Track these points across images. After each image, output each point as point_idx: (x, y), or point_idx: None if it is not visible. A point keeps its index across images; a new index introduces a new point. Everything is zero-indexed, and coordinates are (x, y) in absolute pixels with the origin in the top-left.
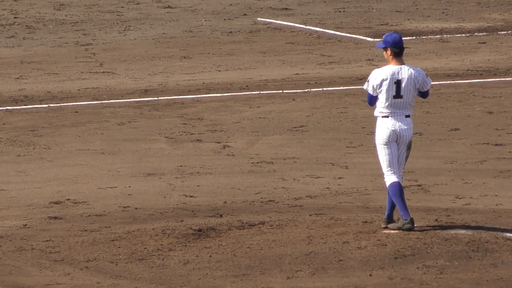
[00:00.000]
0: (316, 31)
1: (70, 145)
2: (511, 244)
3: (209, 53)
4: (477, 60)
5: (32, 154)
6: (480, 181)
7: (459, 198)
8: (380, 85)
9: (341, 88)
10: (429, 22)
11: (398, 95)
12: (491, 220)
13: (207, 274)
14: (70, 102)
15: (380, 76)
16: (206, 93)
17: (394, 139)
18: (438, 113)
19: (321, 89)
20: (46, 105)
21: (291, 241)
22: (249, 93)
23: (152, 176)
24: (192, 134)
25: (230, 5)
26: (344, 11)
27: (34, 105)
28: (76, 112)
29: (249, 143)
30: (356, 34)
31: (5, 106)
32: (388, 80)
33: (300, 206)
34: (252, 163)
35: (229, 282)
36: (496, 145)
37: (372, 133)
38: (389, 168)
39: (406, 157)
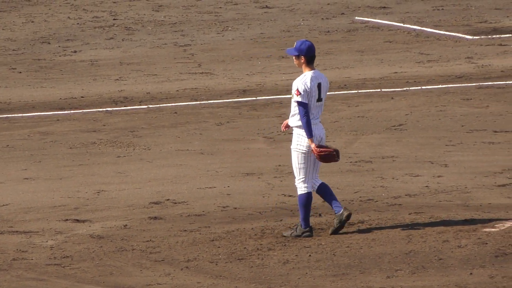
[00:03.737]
0: (415, 29)
1: (170, 145)
2: None
3: None
4: None
5: (132, 155)
6: None
7: None
8: (310, 90)
9: (440, 86)
10: None
11: (319, 98)
12: None
13: (306, 273)
14: (169, 103)
15: (308, 82)
16: None
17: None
18: None
19: (419, 87)
20: (146, 106)
21: (391, 240)
22: (347, 92)
23: (251, 176)
24: (291, 133)
25: (328, 4)
26: (442, 9)
27: (133, 106)
28: (175, 112)
29: (348, 142)
30: (455, 32)
31: (105, 107)
32: (313, 84)
33: (399, 204)
34: (351, 162)
35: (329, 281)
36: None
37: (472, 130)
38: (303, 177)
39: None
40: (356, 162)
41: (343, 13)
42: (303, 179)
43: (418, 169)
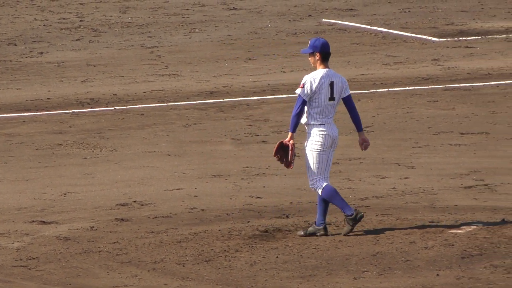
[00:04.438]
0: (381, 32)
1: (136, 147)
2: None
3: (274, 54)
4: None
5: (99, 157)
6: None
7: None
8: (318, 87)
9: (407, 88)
10: (494, 22)
11: (332, 97)
12: None
13: (273, 275)
14: (136, 105)
15: (317, 79)
16: (271, 95)
17: (330, 144)
18: (504, 113)
19: (386, 89)
20: (112, 108)
21: (358, 242)
22: None
23: (218, 178)
24: (258, 135)
25: (295, 6)
26: (409, 11)
27: (100, 107)
28: (142, 114)
29: None
30: (421, 34)
31: (72, 109)
32: (324, 82)
33: (367, 206)
34: None
35: (296, 283)
36: None
37: (438, 132)
38: (318, 176)
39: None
40: None
41: (310, 15)
42: (318, 177)
43: (385, 171)
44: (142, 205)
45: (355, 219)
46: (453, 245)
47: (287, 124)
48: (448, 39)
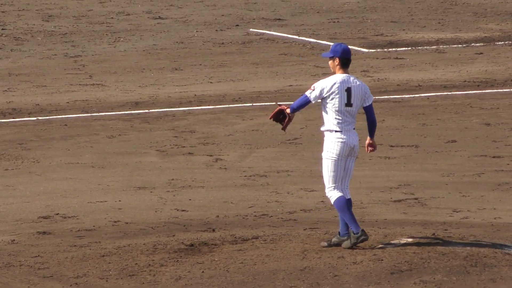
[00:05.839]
0: (310, 42)
1: (59, 158)
2: (509, 259)
3: (200, 64)
4: (474, 71)
5: (20, 168)
6: (477, 194)
7: (457, 212)
8: (332, 92)
9: None
10: (425, 33)
11: (349, 103)
12: (489, 234)
13: None
14: (59, 115)
15: (330, 83)
16: (197, 106)
17: (347, 153)
18: (434, 125)
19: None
20: (35, 118)
21: (285, 256)
22: (242, 105)
23: (143, 190)
24: (184, 147)
25: (222, 15)
26: (338, 22)
27: (22, 118)
28: (65, 125)
29: (242, 156)
30: (350, 45)
31: None
32: (339, 87)
33: (294, 220)
34: (245, 176)
35: None
36: (493, 157)
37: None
38: (334, 184)
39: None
40: (250, 176)
41: (237, 25)
42: (334, 186)
43: (313, 184)
44: (65, 218)
45: (357, 240)
46: (382, 260)
47: (214, 135)
48: (378, 50)
